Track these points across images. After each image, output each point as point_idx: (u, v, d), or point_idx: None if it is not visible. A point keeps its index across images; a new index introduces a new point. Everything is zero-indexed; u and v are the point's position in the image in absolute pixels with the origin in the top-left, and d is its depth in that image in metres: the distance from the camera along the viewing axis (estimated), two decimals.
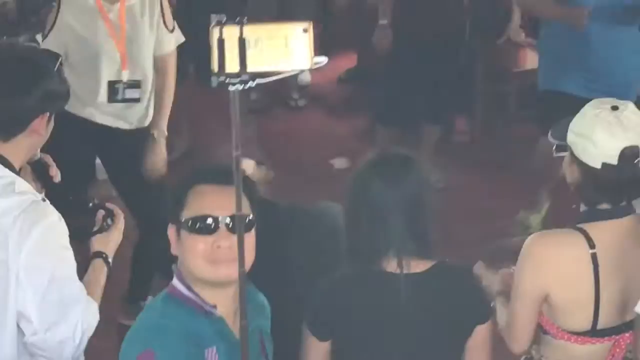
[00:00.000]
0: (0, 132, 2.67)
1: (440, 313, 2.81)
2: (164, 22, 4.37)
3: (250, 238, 2.49)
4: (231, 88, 2.25)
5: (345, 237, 2.86)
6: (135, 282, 4.75)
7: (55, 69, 2.72)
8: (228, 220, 2.45)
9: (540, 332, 3.02)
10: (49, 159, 2.93)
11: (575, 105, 2.96)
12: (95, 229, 2.88)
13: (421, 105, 5.85)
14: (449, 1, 5.79)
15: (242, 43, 2.24)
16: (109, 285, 2.89)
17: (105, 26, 4.21)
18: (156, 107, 4.55)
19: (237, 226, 2.30)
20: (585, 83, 4.87)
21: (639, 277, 2.91)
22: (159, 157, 4.52)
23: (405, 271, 2.75)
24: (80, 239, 2.83)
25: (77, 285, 2.70)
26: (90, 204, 2.89)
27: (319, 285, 2.86)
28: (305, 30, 2.28)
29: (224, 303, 2.51)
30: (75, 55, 4.26)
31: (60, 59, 2.77)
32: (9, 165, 2.69)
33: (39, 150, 2.88)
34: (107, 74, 4.30)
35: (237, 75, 2.25)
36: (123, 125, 4.46)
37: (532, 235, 2.96)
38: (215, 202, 2.46)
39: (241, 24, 2.25)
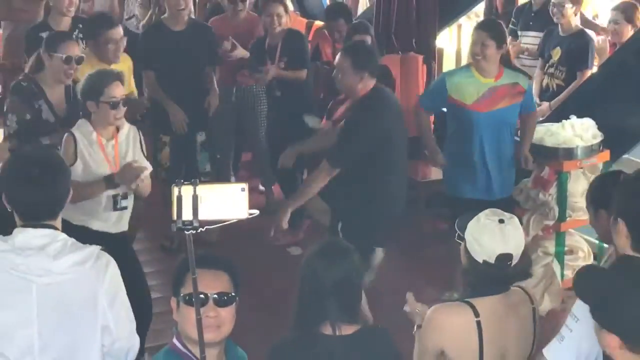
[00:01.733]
0: (52, 214, 3.48)
1: None
2: (142, 151, 5.30)
3: (230, 310, 3.16)
4: (187, 232, 2.98)
5: (295, 308, 3.52)
6: None
7: None
8: (215, 296, 3.11)
9: None
10: None
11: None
12: None
13: None
14: None
15: (195, 199, 2.97)
16: None
17: (102, 155, 5.14)
18: None
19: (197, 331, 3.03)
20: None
21: (515, 340, 3.65)
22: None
23: (337, 333, 3.41)
24: None
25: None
26: None
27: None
28: (243, 190, 3.03)
29: (210, 359, 3.19)
30: (83, 173, 5.12)
31: None
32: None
33: None
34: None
35: (190, 222, 2.98)
36: (117, 229, 5.30)
37: (433, 306, 3.69)
38: (206, 282, 3.09)
39: (195, 184, 2.99)
